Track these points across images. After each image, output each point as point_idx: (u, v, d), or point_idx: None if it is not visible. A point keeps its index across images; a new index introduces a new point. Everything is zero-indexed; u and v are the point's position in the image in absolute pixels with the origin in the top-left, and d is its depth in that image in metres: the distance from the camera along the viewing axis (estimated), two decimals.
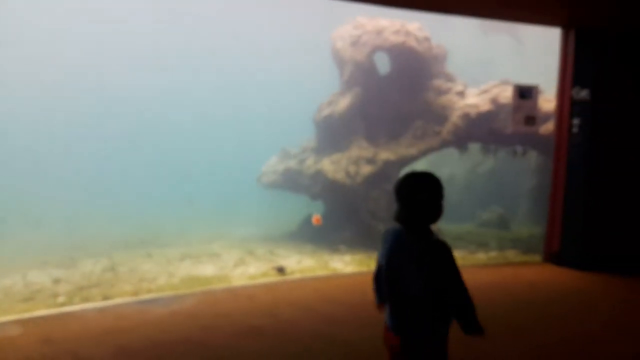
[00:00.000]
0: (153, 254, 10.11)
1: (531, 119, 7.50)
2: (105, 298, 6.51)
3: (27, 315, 5.10)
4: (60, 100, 25.74)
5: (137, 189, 20.49)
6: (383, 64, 11.81)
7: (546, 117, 9.57)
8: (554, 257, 7.14)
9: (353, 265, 8.49)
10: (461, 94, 11.00)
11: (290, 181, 12.31)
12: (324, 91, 12.40)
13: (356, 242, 10.02)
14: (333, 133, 11.49)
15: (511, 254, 8.93)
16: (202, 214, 17.10)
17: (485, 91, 10.70)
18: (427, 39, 11.47)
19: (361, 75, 11.38)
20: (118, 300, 5.84)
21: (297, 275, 7.47)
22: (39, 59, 25.79)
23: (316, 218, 9.64)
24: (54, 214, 15.58)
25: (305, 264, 8.77)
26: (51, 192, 18.90)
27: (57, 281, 7.94)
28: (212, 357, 3.92)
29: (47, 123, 25.20)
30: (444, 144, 10.63)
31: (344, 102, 11.33)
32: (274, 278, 7.33)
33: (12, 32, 24.72)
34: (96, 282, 7.78)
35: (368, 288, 5.74)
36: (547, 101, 9.68)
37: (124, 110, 26.57)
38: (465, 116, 10.32)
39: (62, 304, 6.34)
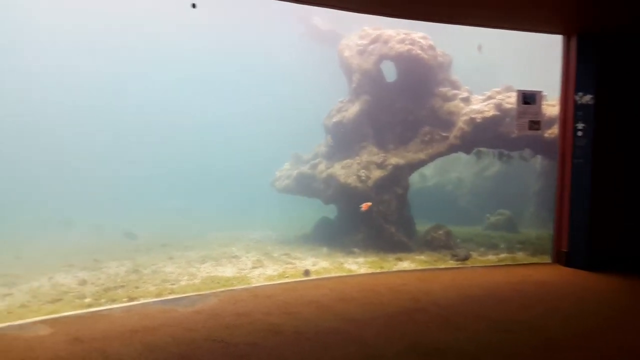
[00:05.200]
0: (174, 257, 10.41)
1: (535, 124, 7.72)
2: (131, 298, 6.77)
3: (55, 315, 5.22)
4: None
5: (156, 197, 20.88)
6: (390, 72, 12.06)
7: (550, 122, 9.80)
8: (562, 258, 7.31)
9: (366, 267, 8.76)
10: (466, 100, 11.24)
11: (303, 186, 12.59)
12: (333, 98, 12.69)
13: (369, 244, 10.27)
14: (343, 138, 11.80)
15: (520, 256, 9.16)
16: (220, 218, 17.42)
17: (489, 97, 10.94)
18: (431, 47, 11.72)
19: (369, 83, 11.68)
20: (143, 301, 6.06)
21: (313, 277, 7.74)
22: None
23: (366, 205, 10.06)
24: (80, 217, 15.99)
25: (321, 266, 9.04)
26: (78, 196, 19.38)
27: (83, 283, 8.23)
28: (234, 354, 4.05)
29: (60, 121, 25.37)
30: (452, 149, 10.87)
31: (353, 109, 11.64)
32: (292, 279, 7.59)
33: None
34: (121, 284, 8.08)
35: (380, 287, 6.10)
36: (551, 106, 9.91)
37: (144, 115, 26.73)
38: (472, 121, 10.55)
39: (89, 305, 6.54)
